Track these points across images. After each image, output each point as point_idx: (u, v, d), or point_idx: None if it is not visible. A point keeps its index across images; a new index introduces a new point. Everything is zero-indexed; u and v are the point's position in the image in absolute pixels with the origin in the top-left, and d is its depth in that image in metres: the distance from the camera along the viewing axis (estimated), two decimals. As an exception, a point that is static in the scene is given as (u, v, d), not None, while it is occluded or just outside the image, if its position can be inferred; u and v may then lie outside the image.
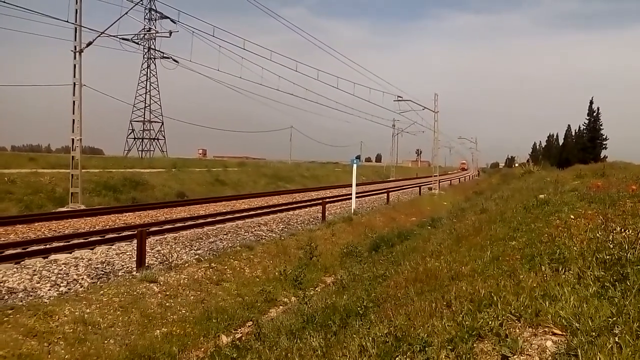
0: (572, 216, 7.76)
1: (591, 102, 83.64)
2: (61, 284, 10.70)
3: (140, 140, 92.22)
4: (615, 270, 4.42)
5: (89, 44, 23.85)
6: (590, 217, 7.32)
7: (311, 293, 10.41)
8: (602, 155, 76.02)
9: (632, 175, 14.05)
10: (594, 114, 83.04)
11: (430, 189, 47.04)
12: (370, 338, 4.61)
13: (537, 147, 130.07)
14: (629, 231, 5.58)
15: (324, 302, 7.66)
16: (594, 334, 3.39)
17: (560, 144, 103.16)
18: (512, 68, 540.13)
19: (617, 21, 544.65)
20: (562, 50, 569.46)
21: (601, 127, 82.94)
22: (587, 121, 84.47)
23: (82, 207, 22.93)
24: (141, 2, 25.46)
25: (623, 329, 3.34)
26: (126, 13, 24.34)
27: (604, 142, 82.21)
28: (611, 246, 5.04)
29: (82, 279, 11.21)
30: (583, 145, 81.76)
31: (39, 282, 10.57)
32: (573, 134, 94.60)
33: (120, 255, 13.04)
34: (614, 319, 3.50)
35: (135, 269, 11.90)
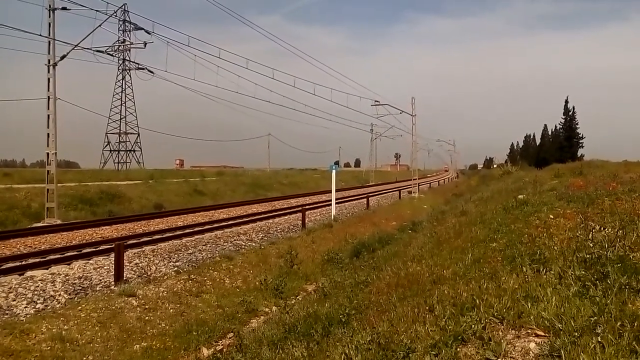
0: (551, 216, 7.81)
1: (566, 102, 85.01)
2: (38, 301, 10.49)
3: (117, 152, 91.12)
4: (595, 269, 4.43)
5: (63, 57, 23.53)
6: (570, 217, 7.38)
7: (292, 302, 10.32)
8: (579, 154, 77.13)
9: (608, 173, 14.25)
10: (570, 113, 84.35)
11: (409, 192, 47.22)
12: (353, 346, 4.55)
13: (515, 147, 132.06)
14: (608, 229, 5.63)
15: (306, 310, 7.56)
16: (576, 334, 3.38)
17: (538, 143, 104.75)
18: (488, 70, 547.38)
19: (590, 21, 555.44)
20: (537, 52, 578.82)
21: (577, 126, 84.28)
22: (563, 120, 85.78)
23: (58, 221, 22.54)
24: (115, 14, 25.16)
25: (605, 328, 3.33)
26: (100, 25, 24.03)
27: (581, 141, 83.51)
28: (591, 245, 5.06)
29: (60, 295, 10.99)
30: (560, 145, 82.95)
31: (14, 300, 10.36)
32: (550, 133, 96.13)
33: (98, 269, 12.81)
34: (596, 318, 3.50)
35: (113, 283, 11.69)
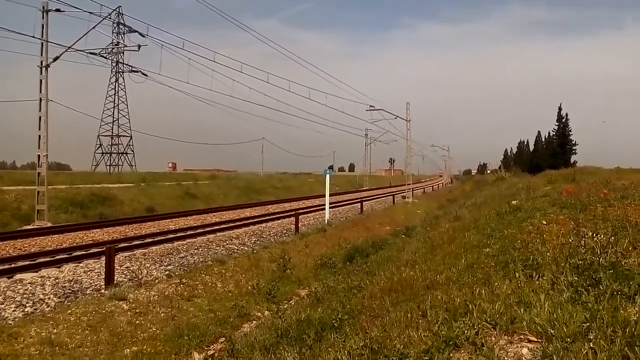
0: (544, 222, 7.83)
1: (560, 108, 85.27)
2: (27, 304, 10.40)
3: (109, 154, 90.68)
4: (588, 275, 4.43)
5: (56, 58, 23.47)
6: (562, 223, 7.40)
7: (285, 307, 10.28)
8: (572, 160, 77.35)
9: (601, 179, 14.32)
10: (563, 119, 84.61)
11: (403, 197, 47.32)
12: (346, 351, 4.53)
13: (509, 153, 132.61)
14: (600, 236, 5.63)
15: (299, 315, 7.53)
16: (568, 339, 3.38)
17: (531, 150, 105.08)
18: (483, 76, 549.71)
19: (583, 28, 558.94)
20: (531, 58, 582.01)
21: (570, 133, 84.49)
22: (556, 127, 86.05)
23: (49, 224, 22.40)
24: (109, 17, 25.13)
25: (597, 334, 3.33)
26: (94, 27, 24.06)
27: (574, 148, 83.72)
28: (583, 251, 5.07)
29: (49, 298, 10.90)
30: (553, 151, 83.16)
31: (3, 303, 10.29)
32: (543, 140, 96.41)
33: (88, 273, 12.72)
34: (588, 324, 3.50)
35: (104, 286, 11.61)
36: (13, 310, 10.00)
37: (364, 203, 34.46)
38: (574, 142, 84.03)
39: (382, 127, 52.89)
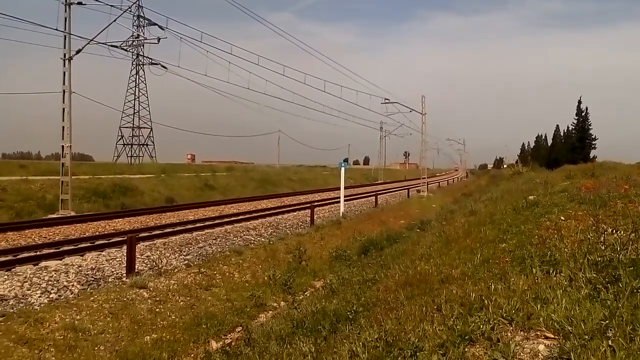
0: (562, 217, 7.75)
1: (579, 102, 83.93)
2: (52, 291, 10.66)
3: (130, 146, 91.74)
4: (607, 273, 4.39)
5: (78, 51, 23.77)
6: (581, 218, 7.32)
7: (300, 297, 10.35)
8: (591, 155, 76.06)
9: (621, 175, 14.06)
10: (583, 113, 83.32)
11: (418, 191, 47.05)
12: (360, 343, 4.55)
13: (526, 147, 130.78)
14: (620, 232, 5.58)
15: (314, 306, 7.58)
16: (586, 337, 3.36)
17: (549, 144, 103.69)
18: (499, 69, 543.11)
19: (602, 21, 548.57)
20: (549, 51, 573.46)
21: (590, 127, 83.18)
22: (575, 121, 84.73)
23: (72, 213, 22.79)
24: (129, 10, 25.34)
25: (616, 332, 3.31)
26: (114, 20, 24.26)
27: (593, 142, 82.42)
28: (603, 248, 5.01)
29: (73, 285, 11.15)
30: (572, 146, 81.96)
31: (29, 289, 10.55)
32: (562, 134, 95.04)
33: (110, 261, 12.96)
34: (607, 322, 3.47)
35: (125, 275, 11.81)
36: (39, 296, 10.25)
37: (378, 196, 34.42)
38: (593, 137, 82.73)
39: (397, 120, 52.46)
